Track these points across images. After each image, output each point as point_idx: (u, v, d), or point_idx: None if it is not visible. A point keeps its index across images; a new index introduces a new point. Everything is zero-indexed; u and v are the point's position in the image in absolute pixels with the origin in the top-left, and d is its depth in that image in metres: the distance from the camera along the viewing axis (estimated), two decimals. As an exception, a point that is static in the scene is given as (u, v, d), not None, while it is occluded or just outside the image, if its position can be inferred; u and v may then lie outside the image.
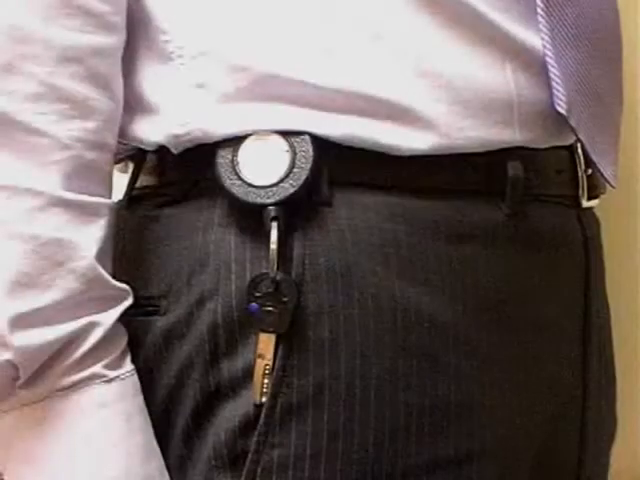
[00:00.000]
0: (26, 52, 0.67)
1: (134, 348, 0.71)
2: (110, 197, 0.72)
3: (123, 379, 0.69)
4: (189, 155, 0.71)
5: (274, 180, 0.68)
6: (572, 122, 0.71)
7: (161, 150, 0.72)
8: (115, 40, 0.70)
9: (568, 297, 0.76)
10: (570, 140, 0.76)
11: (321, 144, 0.68)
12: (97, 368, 0.68)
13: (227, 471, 0.68)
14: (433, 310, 0.68)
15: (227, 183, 0.68)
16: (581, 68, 0.72)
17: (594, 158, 0.74)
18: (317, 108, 0.68)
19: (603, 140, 0.75)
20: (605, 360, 0.81)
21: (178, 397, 0.70)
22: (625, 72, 0.80)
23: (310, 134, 0.68)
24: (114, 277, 0.70)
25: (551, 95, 0.71)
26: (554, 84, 0.70)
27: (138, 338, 0.71)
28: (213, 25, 0.69)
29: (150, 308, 0.71)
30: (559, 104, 0.71)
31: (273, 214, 0.67)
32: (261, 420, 0.67)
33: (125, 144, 0.75)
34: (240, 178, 0.68)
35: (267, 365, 0.67)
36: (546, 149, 0.74)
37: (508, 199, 0.71)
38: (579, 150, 0.77)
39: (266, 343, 0.67)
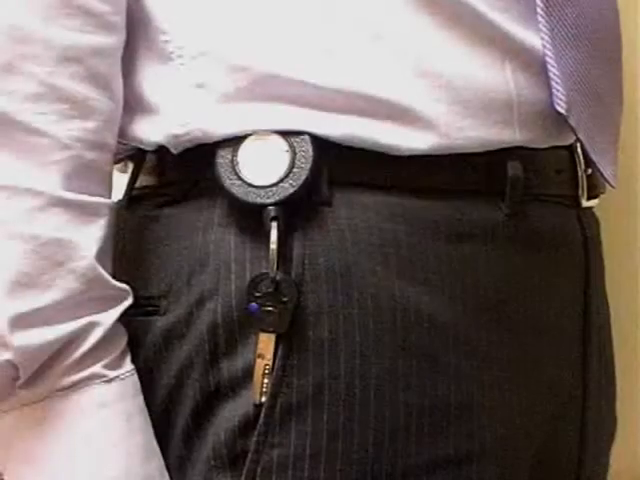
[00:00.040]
0: (26, 52, 0.67)
1: (134, 348, 0.71)
2: (110, 197, 0.72)
3: (123, 379, 0.69)
4: (189, 155, 0.71)
5: (274, 180, 0.68)
6: (572, 122, 0.71)
7: (161, 150, 0.72)
8: (115, 40, 0.70)
9: (568, 297, 0.76)
10: (570, 140, 0.76)
11: (321, 144, 0.68)
12: (97, 368, 0.68)
13: (227, 471, 0.68)
14: (433, 310, 0.68)
15: (227, 183, 0.68)
16: (581, 68, 0.72)
17: (594, 158, 0.74)
18: (317, 108, 0.68)
19: (603, 140, 0.75)
20: (605, 360, 0.81)
21: (178, 397, 0.70)
22: (625, 72, 0.80)
23: (310, 134, 0.68)
24: (114, 277, 0.70)
25: (551, 95, 0.71)
26: (554, 84, 0.70)
27: (138, 338, 0.71)
28: (213, 25, 0.69)
29: (150, 308, 0.71)
30: (559, 104, 0.71)
31: (273, 214, 0.67)
32: (261, 420, 0.67)
33: (125, 144, 0.75)
34: (240, 178, 0.68)
35: (267, 365, 0.67)
36: (546, 149, 0.74)
37: (508, 199, 0.71)
38: (579, 150, 0.77)
39: (266, 343, 0.67)
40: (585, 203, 0.78)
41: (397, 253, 0.68)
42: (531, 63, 0.71)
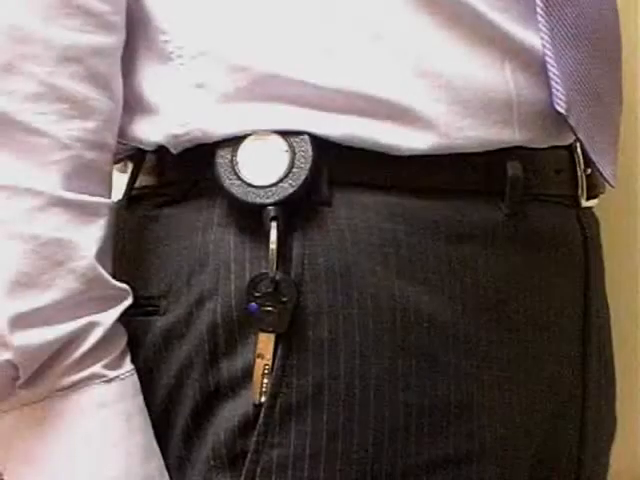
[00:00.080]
0: (26, 52, 0.67)
1: (134, 348, 0.71)
2: (110, 197, 0.72)
3: (123, 379, 0.69)
4: (188, 155, 0.71)
5: (273, 180, 0.68)
6: (571, 121, 0.71)
7: (160, 150, 0.72)
8: (115, 40, 0.70)
9: (568, 297, 0.76)
10: (569, 140, 0.76)
11: (321, 144, 0.68)
12: (97, 368, 0.68)
13: (226, 471, 0.68)
14: (432, 310, 0.68)
15: (226, 183, 0.68)
16: (580, 68, 0.72)
17: (593, 158, 0.74)
18: (317, 108, 0.68)
19: (602, 140, 0.75)
20: (605, 360, 0.81)
21: (178, 397, 0.70)
22: (625, 72, 0.80)
23: (310, 134, 0.68)
24: (114, 277, 0.70)
25: (550, 95, 0.71)
26: (553, 83, 0.70)
27: (138, 338, 0.71)
28: (213, 25, 0.69)
29: (150, 308, 0.71)
30: (558, 103, 0.71)
31: (272, 214, 0.67)
32: (260, 420, 0.67)
33: (124, 144, 0.75)
34: (239, 178, 0.68)
35: (266, 365, 0.67)
36: (545, 149, 0.74)
37: (507, 199, 0.71)
38: (578, 150, 0.77)
39: (265, 343, 0.67)
40: (585, 203, 0.78)
41: (397, 253, 0.68)
42: (531, 63, 0.71)
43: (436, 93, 0.69)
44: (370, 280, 0.68)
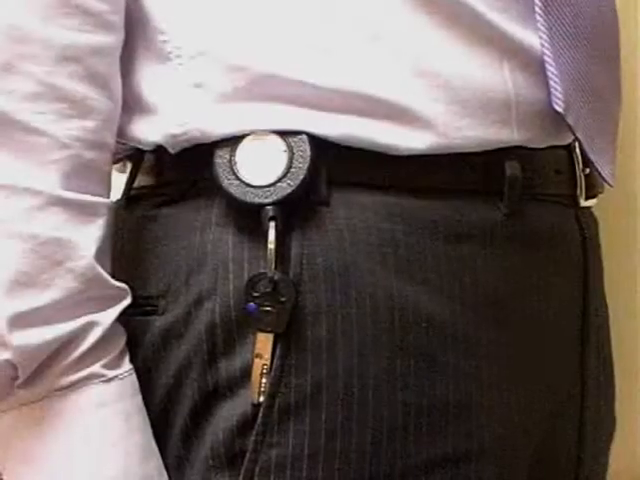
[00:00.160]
0: (25, 52, 0.67)
1: (132, 348, 0.71)
2: (109, 197, 0.72)
3: (122, 379, 0.69)
4: (187, 155, 0.71)
5: (272, 180, 0.68)
6: (570, 121, 0.71)
7: (159, 150, 0.72)
8: (113, 39, 0.70)
9: (566, 296, 0.76)
10: (568, 139, 0.76)
11: (319, 144, 0.68)
12: (96, 368, 0.68)
13: (225, 471, 0.68)
14: (431, 309, 0.68)
15: (225, 183, 0.68)
16: (579, 67, 0.72)
17: (592, 157, 0.74)
18: (315, 108, 0.68)
19: (601, 139, 0.75)
20: (603, 359, 0.81)
21: (176, 397, 0.70)
22: (625, 71, 0.80)
23: (308, 134, 0.68)
24: (113, 277, 0.70)
25: (549, 94, 0.71)
26: (552, 83, 0.70)
27: (136, 338, 0.71)
28: (211, 25, 0.69)
29: (148, 308, 0.71)
30: (557, 102, 0.71)
31: (271, 214, 0.67)
32: (259, 420, 0.67)
33: (123, 144, 0.75)
34: (238, 178, 0.68)
35: (265, 365, 0.67)
36: (544, 149, 0.74)
37: (506, 199, 0.71)
38: (577, 149, 0.77)
39: (264, 343, 0.67)
40: (583, 203, 0.78)
41: (395, 253, 0.68)
42: (529, 63, 0.71)
43: (434, 93, 0.68)
44: (369, 280, 0.68)
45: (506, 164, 0.71)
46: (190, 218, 0.70)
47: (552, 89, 0.70)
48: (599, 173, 0.76)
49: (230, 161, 0.68)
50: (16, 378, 0.67)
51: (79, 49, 0.68)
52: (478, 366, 0.70)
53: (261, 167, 0.68)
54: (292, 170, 0.68)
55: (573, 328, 0.77)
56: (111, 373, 0.69)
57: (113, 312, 0.69)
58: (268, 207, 0.67)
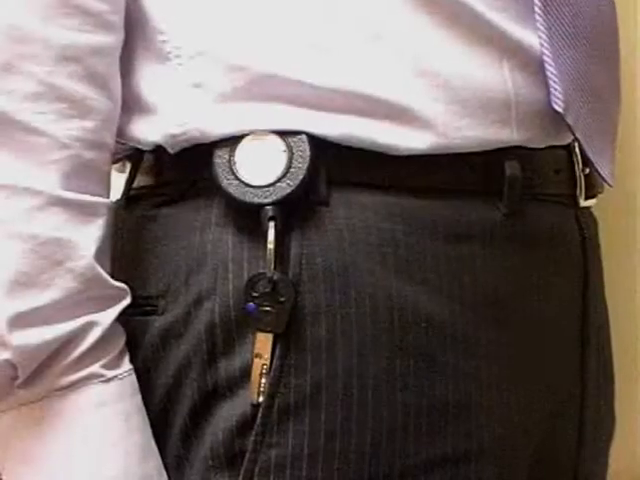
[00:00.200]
0: (25, 52, 0.67)
1: (132, 348, 0.71)
2: (108, 197, 0.72)
3: (121, 379, 0.69)
4: (186, 155, 0.71)
5: (271, 180, 0.68)
6: (569, 120, 0.71)
7: (158, 150, 0.72)
8: (113, 39, 0.70)
9: (566, 296, 0.76)
10: (568, 139, 0.76)
11: (319, 144, 0.68)
12: (95, 368, 0.68)
13: (224, 471, 0.68)
14: (430, 309, 0.68)
15: (224, 183, 0.68)
16: (579, 66, 0.72)
17: (591, 157, 0.74)
18: (315, 108, 0.68)
19: (600, 139, 0.75)
20: (603, 360, 0.81)
21: (176, 397, 0.70)
22: (624, 71, 0.80)
23: (307, 134, 0.68)
24: (112, 277, 0.70)
25: (548, 94, 0.71)
26: (551, 82, 0.70)
27: (136, 338, 0.71)
28: (210, 25, 0.69)
29: (148, 308, 0.71)
30: (556, 102, 0.71)
31: (270, 214, 0.67)
32: (258, 420, 0.67)
33: (123, 144, 0.75)
34: (237, 178, 0.68)
35: (264, 365, 0.67)
36: (543, 148, 0.74)
37: (506, 198, 0.71)
38: (576, 149, 0.77)
39: (263, 343, 0.67)
40: (583, 203, 0.78)
41: (395, 253, 0.68)
42: (529, 62, 0.71)
43: (434, 93, 0.68)
44: (368, 280, 0.68)
45: (506, 164, 0.71)
46: (190, 218, 0.70)
47: (551, 89, 0.70)
48: (598, 173, 0.76)
49: (229, 161, 0.68)
50: (16, 378, 0.67)
51: (79, 49, 0.68)
52: (478, 366, 0.70)
53: (260, 167, 0.68)
54: (292, 170, 0.68)
55: (573, 328, 0.77)
56: (110, 373, 0.69)
57: (113, 312, 0.69)
58: (267, 207, 0.67)
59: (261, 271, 0.67)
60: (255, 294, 0.67)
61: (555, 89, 0.70)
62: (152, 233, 0.72)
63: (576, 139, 0.74)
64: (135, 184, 0.75)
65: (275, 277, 0.66)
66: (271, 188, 0.68)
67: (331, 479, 0.67)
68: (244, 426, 0.68)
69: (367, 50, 0.68)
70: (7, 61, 0.66)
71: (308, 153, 0.68)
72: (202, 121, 0.69)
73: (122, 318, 0.70)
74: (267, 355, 0.67)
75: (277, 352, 0.67)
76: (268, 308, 0.67)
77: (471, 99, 0.69)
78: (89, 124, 0.69)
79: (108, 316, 0.69)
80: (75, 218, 0.68)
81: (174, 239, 0.71)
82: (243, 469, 0.67)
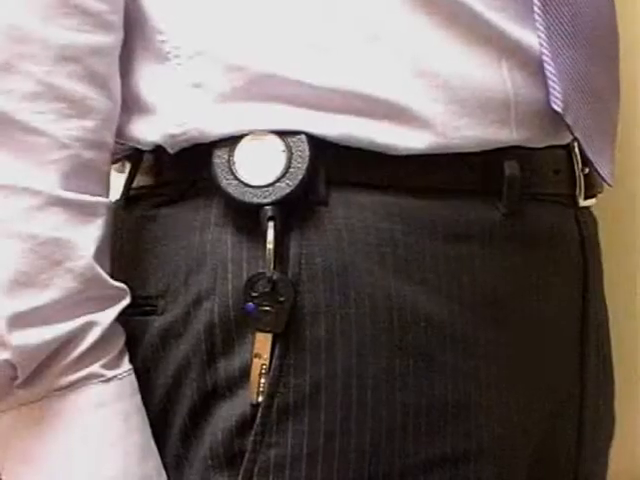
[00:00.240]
0: (24, 51, 0.67)
1: (132, 348, 0.71)
2: (108, 196, 0.72)
3: (121, 379, 0.69)
4: (185, 155, 0.71)
5: (270, 180, 0.68)
6: (568, 120, 0.71)
7: (158, 150, 0.72)
8: (112, 39, 0.70)
9: (566, 296, 0.76)
10: (567, 139, 0.75)
11: (318, 144, 0.68)
12: (95, 368, 0.68)
13: (224, 470, 0.68)
14: (430, 309, 0.68)
15: (223, 183, 0.68)
16: (578, 66, 0.72)
17: (591, 157, 0.74)
18: (314, 108, 0.68)
19: (600, 139, 0.75)
20: (603, 360, 0.81)
21: (175, 396, 0.70)
22: (625, 71, 0.80)
23: (307, 134, 0.68)
24: (112, 277, 0.70)
25: (547, 94, 0.71)
26: (550, 82, 0.70)
27: (136, 338, 0.71)
28: (209, 25, 0.69)
29: (148, 308, 0.71)
30: (555, 102, 0.71)
31: (269, 214, 0.67)
32: (258, 420, 0.67)
33: (122, 144, 0.75)
34: (236, 178, 0.68)
35: (264, 365, 0.67)
36: (543, 148, 0.74)
37: (505, 198, 0.71)
38: (576, 149, 0.77)
39: (263, 343, 0.67)
40: (582, 202, 0.78)
41: (394, 253, 0.68)
42: (528, 62, 0.71)
43: (433, 93, 0.68)
44: (367, 280, 0.67)
45: (505, 164, 0.71)
46: (189, 218, 0.70)
47: (551, 89, 0.70)
48: (598, 173, 0.76)
49: (229, 161, 0.68)
50: (15, 378, 0.67)
51: (78, 49, 0.68)
52: (477, 366, 0.70)
53: (260, 167, 0.68)
54: (291, 170, 0.68)
55: (572, 328, 0.77)
56: (110, 373, 0.69)
57: (112, 312, 0.69)
58: (267, 207, 0.67)
59: (260, 271, 0.67)
60: (254, 294, 0.67)
61: (554, 89, 0.70)
62: (151, 233, 0.72)
63: (575, 139, 0.74)
64: (134, 184, 0.75)
65: (274, 277, 0.66)
66: (270, 188, 0.68)
67: (330, 479, 0.67)
68: (243, 426, 0.68)
69: (366, 50, 0.68)
70: (6, 61, 0.66)
71: (307, 153, 0.68)
72: (201, 121, 0.69)
73: (122, 318, 0.70)
74: (266, 355, 0.67)
75: (276, 352, 0.67)
76: (267, 308, 0.67)
77: (470, 99, 0.69)
78: (88, 124, 0.69)
79: (107, 316, 0.69)
80: (74, 218, 0.68)
81: (173, 239, 0.71)
82: (242, 469, 0.67)
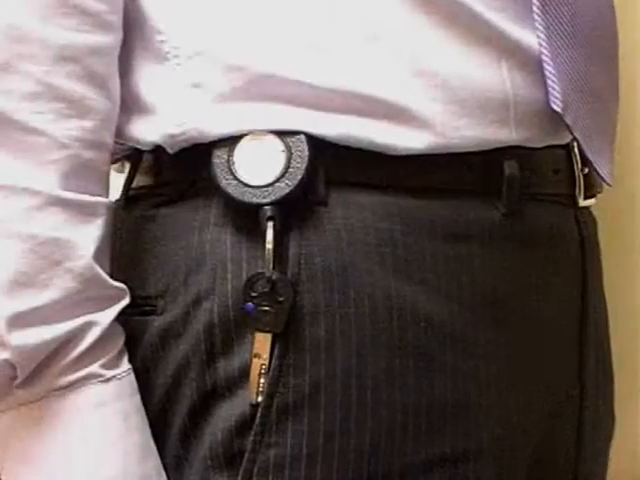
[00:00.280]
0: (23, 51, 0.67)
1: (131, 348, 0.71)
2: (107, 196, 0.72)
3: (120, 379, 0.69)
4: (185, 155, 0.71)
5: (270, 180, 0.68)
6: (568, 120, 0.71)
7: (157, 150, 0.72)
8: (112, 39, 0.70)
9: (565, 296, 0.76)
10: (566, 139, 0.76)
11: (317, 144, 0.68)
12: (94, 368, 0.68)
13: (223, 471, 0.68)
14: (429, 309, 0.68)
15: (223, 183, 0.68)
16: (578, 66, 0.72)
17: (590, 157, 0.74)
18: (313, 108, 0.68)
19: (599, 139, 0.75)
20: (602, 359, 0.81)
21: (175, 396, 0.70)
22: (625, 71, 0.80)
23: (306, 134, 0.68)
24: (111, 277, 0.70)
25: (547, 94, 0.71)
26: (549, 82, 0.70)
27: (135, 338, 0.71)
28: (209, 25, 0.69)
29: (147, 308, 0.71)
30: (554, 102, 0.71)
31: (269, 214, 0.67)
32: (257, 420, 0.67)
33: (122, 144, 0.75)
34: (236, 178, 0.68)
35: (263, 365, 0.67)
36: (542, 148, 0.74)
37: (504, 198, 0.71)
38: (575, 149, 0.77)
39: (262, 343, 0.67)
40: (582, 202, 0.78)
41: (393, 253, 0.68)
42: (527, 62, 0.71)
43: (432, 93, 0.68)
44: (367, 280, 0.67)
45: (504, 164, 0.71)
46: (188, 218, 0.70)
47: (550, 88, 0.70)
48: (597, 173, 0.76)
49: (228, 161, 0.68)
50: (15, 378, 0.67)
51: (77, 49, 0.68)
52: (476, 366, 0.70)
53: (259, 167, 0.68)
54: (290, 170, 0.68)
55: (572, 328, 0.77)
56: (109, 373, 0.69)
57: (112, 312, 0.69)
58: (266, 207, 0.67)
59: (260, 271, 0.67)
60: (254, 294, 0.67)
61: (553, 89, 0.70)
62: (151, 233, 0.72)
63: (575, 139, 0.74)
64: (134, 184, 0.75)
65: (274, 277, 0.66)
66: (270, 188, 0.68)
67: (330, 479, 0.67)
68: (243, 426, 0.68)
69: (365, 50, 0.68)
70: (5, 61, 0.66)
71: (307, 153, 0.68)
72: (201, 121, 0.69)
73: (121, 318, 0.70)
74: (266, 355, 0.67)
75: (276, 352, 0.67)
76: (267, 308, 0.67)
77: (469, 99, 0.69)
78: (88, 124, 0.69)
79: (107, 316, 0.69)
80: (74, 218, 0.68)
81: (173, 239, 0.71)
82: (242, 469, 0.67)
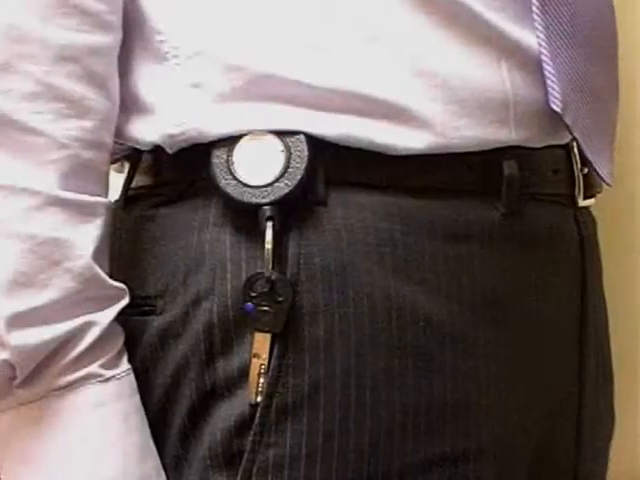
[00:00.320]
0: (23, 51, 0.67)
1: (130, 348, 0.71)
2: (107, 196, 0.72)
3: (119, 379, 0.69)
4: (184, 155, 0.71)
5: (269, 180, 0.68)
6: (567, 120, 0.71)
7: (156, 150, 0.72)
8: (111, 39, 0.70)
9: (565, 296, 0.76)
10: (566, 139, 0.75)
11: (316, 144, 0.68)
12: (93, 367, 0.68)
13: (223, 470, 0.68)
14: (429, 309, 0.68)
15: (222, 183, 0.68)
16: (577, 66, 0.72)
17: (590, 157, 0.74)
18: (313, 108, 0.68)
19: (599, 139, 0.75)
20: (602, 359, 0.81)
21: (174, 396, 0.70)
22: (624, 71, 0.80)
23: (305, 134, 0.68)
24: (111, 277, 0.70)
25: (547, 94, 0.71)
26: (549, 82, 0.70)
27: (134, 338, 0.71)
28: (208, 25, 0.69)
29: (146, 308, 0.71)
30: (554, 102, 0.71)
31: (268, 214, 0.67)
32: (256, 420, 0.67)
33: (121, 144, 0.75)
34: (235, 178, 0.68)
35: (262, 365, 0.67)
36: (542, 148, 0.74)
37: (504, 198, 0.71)
38: (575, 149, 0.77)
39: (261, 343, 0.67)
40: (582, 202, 0.78)
41: (393, 253, 0.68)
42: (527, 62, 0.71)
43: (432, 93, 0.68)
44: (366, 280, 0.67)
45: (504, 164, 0.71)
46: (188, 218, 0.70)
47: (549, 88, 0.70)
48: (597, 173, 0.76)
49: (227, 161, 0.68)
50: (14, 378, 0.67)
51: (77, 49, 0.68)
52: (476, 366, 0.70)
53: (258, 167, 0.68)
54: (289, 170, 0.68)
55: (571, 328, 0.77)
56: (109, 373, 0.69)
57: (111, 312, 0.69)
58: (265, 207, 0.67)
59: (259, 271, 0.67)
60: (253, 294, 0.67)
61: (553, 89, 0.70)
62: (150, 233, 0.72)
63: (574, 139, 0.74)
64: (133, 184, 0.75)
65: (273, 277, 0.66)
66: (269, 188, 0.68)
67: (329, 479, 0.67)
68: (242, 426, 0.68)
69: (365, 50, 0.68)
70: (5, 60, 0.66)
71: (306, 153, 0.68)
72: (200, 121, 0.69)
73: (120, 318, 0.70)
74: (265, 355, 0.67)
75: (275, 352, 0.67)
76: (266, 308, 0.67)
77: (469, 99, 0.69)
78: (87, 124, 0.69)
79: (106, 316, 0.69)
80: (73, 218, 0.68)
81: (172, 239, 0.71)
82: (241, 469, 0.67)
